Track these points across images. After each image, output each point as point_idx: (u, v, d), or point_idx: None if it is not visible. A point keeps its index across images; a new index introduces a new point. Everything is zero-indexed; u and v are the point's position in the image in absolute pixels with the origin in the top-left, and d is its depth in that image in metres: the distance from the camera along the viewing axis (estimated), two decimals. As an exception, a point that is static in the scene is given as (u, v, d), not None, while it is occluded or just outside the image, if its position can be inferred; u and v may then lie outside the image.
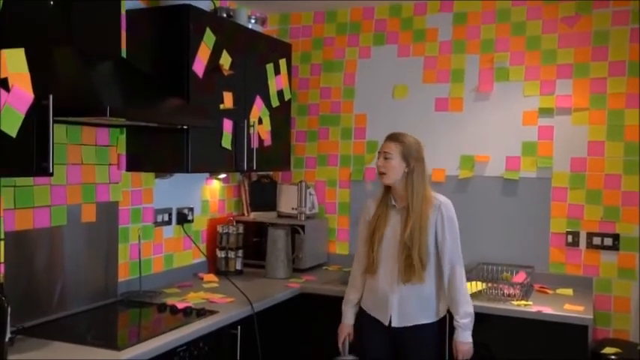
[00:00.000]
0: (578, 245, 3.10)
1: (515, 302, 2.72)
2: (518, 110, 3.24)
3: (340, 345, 2.57)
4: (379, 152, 2.46)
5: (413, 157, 2.40)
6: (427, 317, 2.44)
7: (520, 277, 2.95)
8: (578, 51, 3.11)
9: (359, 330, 2.56)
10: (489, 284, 2.86)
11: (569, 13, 3.13)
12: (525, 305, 2.68)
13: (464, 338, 2.41)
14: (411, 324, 2.43)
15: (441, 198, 2.46)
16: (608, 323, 3.02)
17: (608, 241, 3.04)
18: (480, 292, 2.83)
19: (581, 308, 2.65)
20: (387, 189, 2.49)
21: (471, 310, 2.43)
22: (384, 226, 2.45)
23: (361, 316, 2.56)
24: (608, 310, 3.02)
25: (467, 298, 2.43)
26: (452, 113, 3.39)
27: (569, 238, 3.12)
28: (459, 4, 3.37)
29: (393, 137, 2.45)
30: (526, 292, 2.87)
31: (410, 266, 2.37)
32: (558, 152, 3.16)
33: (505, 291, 2.82)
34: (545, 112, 3.18)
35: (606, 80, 3.05)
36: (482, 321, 2.67)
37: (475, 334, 2.69)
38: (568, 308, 2.65)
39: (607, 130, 3.05)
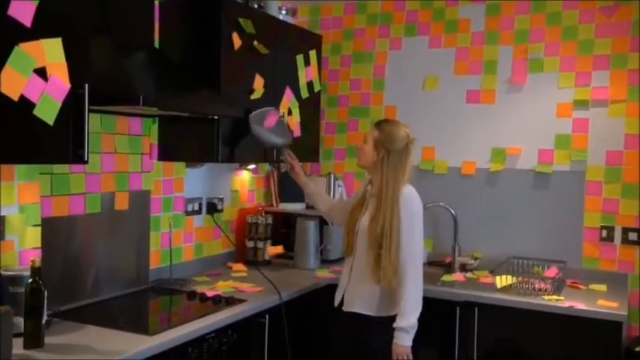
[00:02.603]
0: (612, 240, 3.03)
1: (546, 297, 2.67)
2: (552, 102, 3.18)
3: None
4: None
5: (384, 146, 2.34)
6: (377, 310, 2.34)
7: (552, 271, 2.90)
8: (616, 41, 3.03)
9: None
10: (520, 278, 2.82)
11: (607, 2, 3.05)
12: (557, 300, 2.63)
13: (402, 341, 2.26)
14: (355, 310, 2.38)
15: (406, 191, 2.32)
16: (643, 321, 2.95)
17: (645, 237, 2.96)
18: (510, 286, 2.80)
19: (615, 304, 2.59)
20: None
21: (414, 320, 2.26)
22: (359, 210, 2.44)
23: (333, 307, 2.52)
24: (643, 307, 2.95)
25: (413, 307, 2.27)
26: (483, 105, 3.34)
27: (604, 233, 3.05)
28: (492, -5, 3.32)
29: (377, 123, 2.46)
30: (558, 287, 2.82)
31: (378, 268, 2.28)
32: (593, 145, 3.08)
33: (536, 285, 2.78)
34: (580, 104, 3.11)
35: (645, 71, 2.97)
36: (512, 315, 2.65)
37: (504, 328, 2.68)
38: (601, 304, 2.59)
39: (645, 123, 2.97)
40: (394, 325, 2.29)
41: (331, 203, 2.81)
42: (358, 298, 2.39)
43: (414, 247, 2.30)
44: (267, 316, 2.52)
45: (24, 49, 1.75)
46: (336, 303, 2.48)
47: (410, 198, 2.33)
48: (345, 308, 2.44)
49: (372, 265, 2.32)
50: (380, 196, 2.33)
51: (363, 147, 2.42)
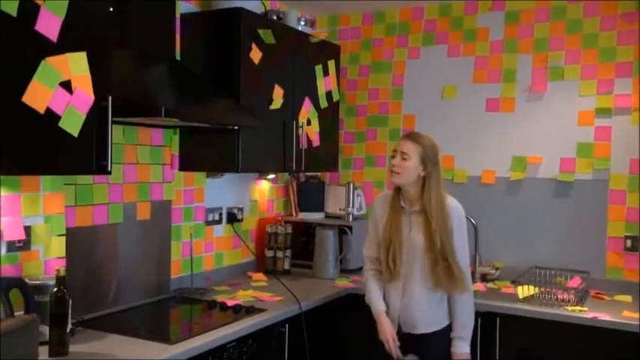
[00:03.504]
0: (637, 250, 2.98)
1: (569, 307, 2.63)
2: (573, 110, 3.14)
3: (393, 349, 2.42)
4: (395, 150, 2.37)
5: (431, 160, 2.33)
6: (438, 325, 2.38)
7: (575, 282, 2.86)
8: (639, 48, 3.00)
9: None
10: (542, 289, 2.78)
11: (629, 9, 3.01)
12: (580, 311, 2.59)
13: (464, 349, 2.35)
14: (419, 332, 2.38)
15: (452, 203, 2.37)
16: (669, 332, 2.88)
17: (670, 247, 2.91)
18: (532, 296, 2.76)
19: (640, 316, 2.54)
20: (398, 189, 2.42)
21: (472, 321, 2.38)
22: (399, 231, 2.38)
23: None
24: (669, 319, 2.89)
25: (471, 315, 2.38)
26: (503, 114, 3.32)
27: (628, 243, 3.00)
28: (511, 3, 3.30)
29: (413, 137, 2.37)
30: (581, 297, 2.77)
31: (451, 277, 2.31)
32: (616, 153, 3.04)
33: (559, 296, 2.74)
34: (602, 112, 3.07)
35: (669, 78, 2.93)
36: (534, 326, 2.61)
37: (526, 339, 2.64)
38: (626, 315, 2.55)
39: (669, 131, 2.93)
40: (453, 334, 2.34)
41: (379, 265, 2.50)
42: (419, 317, 2.38)
43: (466, 256, 2.38)
44: (287, 325, 2.53)
45: (50, 63, 1.79)
46: (396, 328, 2.42)
47: (460, 211, 2.38)
48: (405, 330, 2.41)
49: (442, 278, 2.31)
50: (429, 210, 2.32)
51: (405, 164, 2.32)
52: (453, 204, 2.38)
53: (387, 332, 2.40)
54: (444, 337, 2.38)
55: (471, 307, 2.40)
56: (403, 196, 2.41)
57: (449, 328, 2.39)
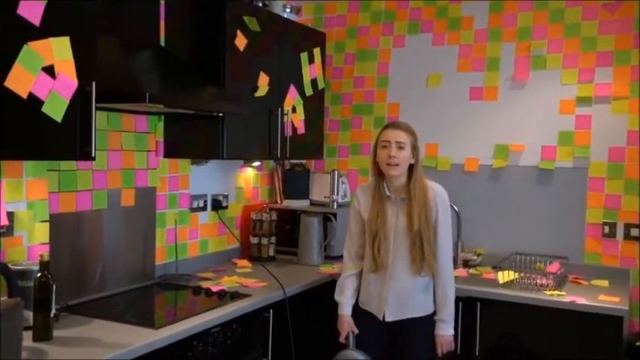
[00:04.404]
0: (615, 236, 3.05)
1: (548, 292, 2.69)
2: (554, 99, 3.19)
3: (344, 340, 2.51)
4: (387, 141, 2.37)
5: (417, 148, 2.40)
6: (423, 310, 2.43)
7: (554, 267, 2.92)
8: (620, 38, 3.04)
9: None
10: (522, 274, 2.84)
11: (610, -1, 3.06)
12: (558, 295, 2.65)
13: (447, 331, 2.42)
14: (406, 317, 2.43)
15: (437, 188, 2.43)
16: (645, 316, 2.97)
17: (647, 233, 2.98)
18: (512, 281, 2.82)
19: (616, 299, 2.60)
20: (380, 179, 2.43)
21: (453, 309, 2.45)
22: (386, 220, 2.40)
23: (355, 309, 2.54)
24: (645, 303, 2.97)
25: (451, 296, 2.44)
26: (486, 102, 3.36)
27: (606, 229, 3.06)
28: (496, -8, 3.33)
29: (404, 127, 2.40)
30: (560, 282, 2.83)
31: (422, 259, 2.36)
32: (596, 142, 3.10)
33: (538, 281, 2.79)
34: (583, 100, 3.12)
35: (648, 68, 2.98)
36: (514, 311, 2.67)
37: (506, 323, 2.70)
38: (603, 299, 2.61)
39: (647, 120, 2.99)
40: (436, 317, 2.40)
41: (360, 264, 2.55)
42: (406, 303, 2.42)
43: (449, 239, 2.44)
44: (271, 310, 2.55)
45: (33, 47, 1.78)
46: (382, 317, 2.45)
47: (445, 197, 2.44)
48: (390, 319, 2.44)
49: (417, 259, 2.36)
50: (413, 195, 2.36)
51: (401, 154, 2.35)
52: (438, 190, 2.43)
53: (346, 330, 2.51)
54: (430, 323, 2.44)
55: (451, 290, 2.44)
56: (388, 185, 2.43)
57: (435, 314, 2.45)
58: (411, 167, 2.40)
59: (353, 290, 2.53)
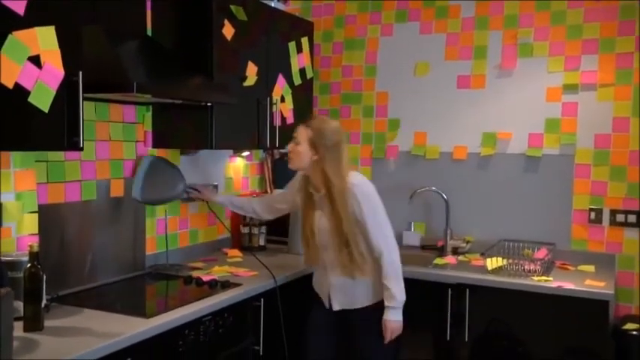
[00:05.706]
0: (601, 222, 3.09)
1: (535, 278, 2.73)
2: (541, 87, 3.22)
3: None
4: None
5: (323, 144, 2.32)
6: (369, 300, 2.42)
7: (541, 253, 2.96)
8: (605, 25, 3.07)
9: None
10: (510, 260, 2.88)
11: (595, -13, 3.08)
12: (546, 281, 2.69)
13: (393, 317, 2.35)
14: (354, 307, 2.43)
15: (354, 179, 2.34)
16: (630, 300, 3.02)
17: (632, 218, 3.02)
18: (500, 268, 2.85)
19: (602, 284, 2.65)
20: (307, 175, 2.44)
21: (401, 295, 2.35)
22: (310, 216, 2.44)
23: (311, 292, 2.58)
24: (630, 287, 3.02)
25: (398, 282, 2.35)
26: (474, 90, 3.38)
27: (592, 215, 3.11)
28: (483, -20, 3.34)
29: (306, 121, 2.41)
30: (547, 268, 2.87)
31: (352, 262, 2.34)
32: (582, 129, 3.13)
33: (526, 267, 2.83)
34: (569, 88, 3.15)
35: (633, 55, 3.01)
36: (502, 296, 2.70)
37: (494, 309, 2.73)
38: (589, 284, 2.65)
39: (632, 106, 3.02)
40: (385, 304, 2.36)
41: (266, 202, 2.79)
42: (343, 300, 2.44)
43: (380, 227, 2.35)
44: (262, 299, 2.57)
45: (18, 37, 1.77)
46: (329, 306, 2.48)
47: (359, 184, 2.34)
48: (337, 308, 2.46)
49: (346, 263, 2.35)
50: (331, 194, 2.32)
51: (296, 149, 2.36)
52: (356, 180, 2.35)
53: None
54: (377, 310, 2.39)
55: (394, 277, 2.35)
56: (310, 181, 2.43)
57: (382, 303, 2.38)
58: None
59: (238, 201, 2.87)
